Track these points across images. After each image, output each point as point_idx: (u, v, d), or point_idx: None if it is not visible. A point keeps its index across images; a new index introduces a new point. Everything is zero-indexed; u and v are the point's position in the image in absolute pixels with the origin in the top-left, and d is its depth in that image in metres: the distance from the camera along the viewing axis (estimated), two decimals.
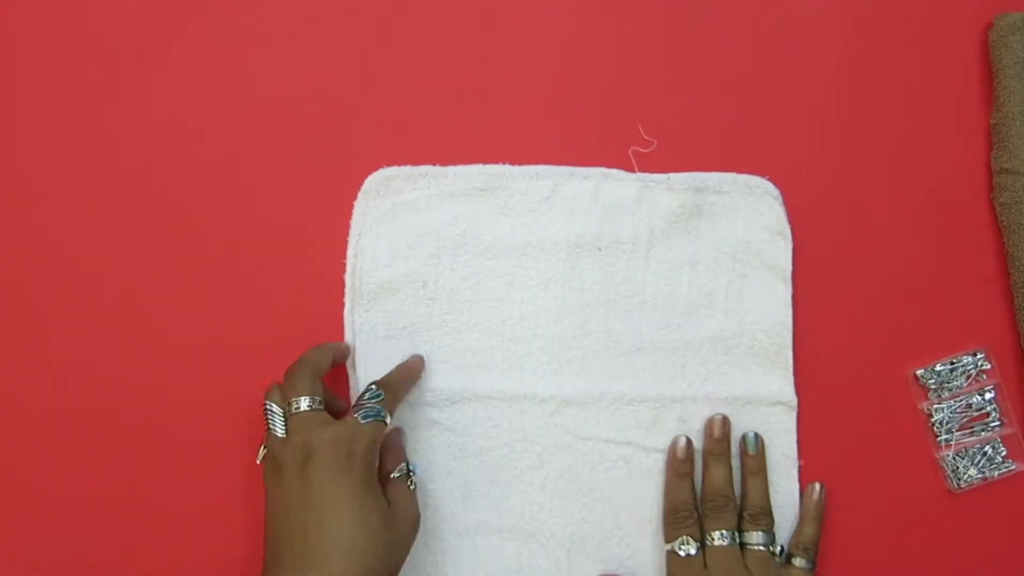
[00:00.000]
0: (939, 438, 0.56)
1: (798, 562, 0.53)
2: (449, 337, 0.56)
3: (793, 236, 0.57)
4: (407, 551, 0.50)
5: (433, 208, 0.57)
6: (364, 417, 0.49)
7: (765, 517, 0.53)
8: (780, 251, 0.57)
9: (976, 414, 0.57)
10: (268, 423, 0.50)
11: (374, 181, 0.57)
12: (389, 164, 0.57)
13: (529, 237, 0.57)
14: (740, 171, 0.58)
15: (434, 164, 0.58)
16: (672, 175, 0.57)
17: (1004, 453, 0.56)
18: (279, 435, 0.49)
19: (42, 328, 0.57)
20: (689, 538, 0.52)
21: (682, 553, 0.52)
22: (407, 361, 0.55)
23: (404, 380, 0.54)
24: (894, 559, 0.55)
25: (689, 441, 0.55)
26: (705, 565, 0.52)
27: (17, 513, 0.56)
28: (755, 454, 0.55)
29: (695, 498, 0.54)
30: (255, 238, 0.58)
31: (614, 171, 0.58)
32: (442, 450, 0.56)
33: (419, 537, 0.51)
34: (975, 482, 0.56)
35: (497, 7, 0.59)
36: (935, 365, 0.57)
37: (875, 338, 0.57)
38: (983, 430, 0.57)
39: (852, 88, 0.60)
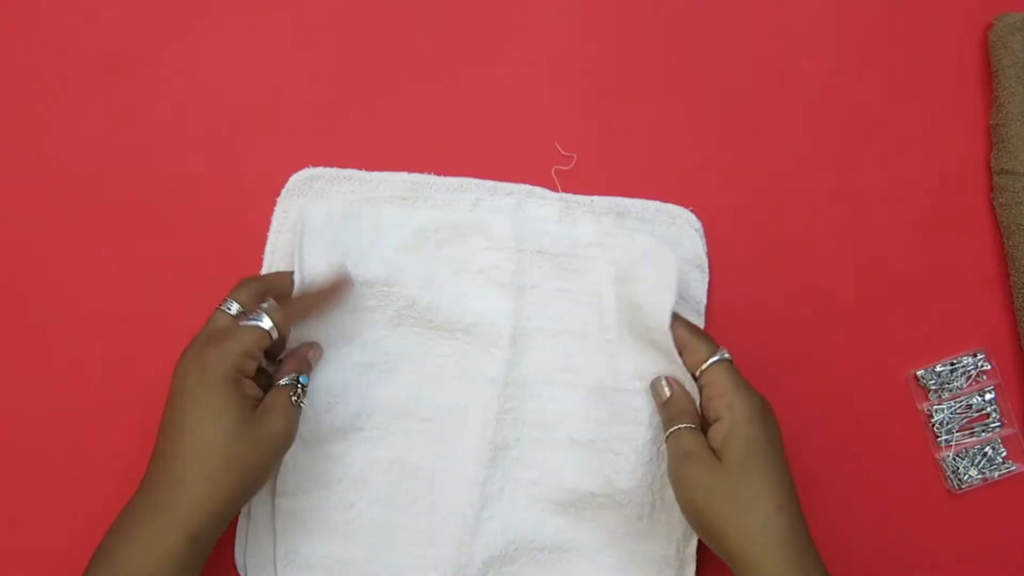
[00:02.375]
0: (939, 439, 0.56)
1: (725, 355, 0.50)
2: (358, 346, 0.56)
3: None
4: (268, 470, 0.48)
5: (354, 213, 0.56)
6: (245, 321, 0.48)
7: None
8: (697, 283, 0.57)
9: (976, 415, 0.57)
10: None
11: (297, 181, 0.57)
12: (314, 165, 0.57)
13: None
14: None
15: (359, 168, 0.57)
16: (595, 198, 0.57)
17: (1004, 454, 0.56)
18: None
19: (34, 325, 0.57)
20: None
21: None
22: (329, 283, 0.53)
23: (313, 301, 0.53)
24: (894, 559, 0.55)
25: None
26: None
27: (16, 513, 0.55)
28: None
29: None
30: (182, 232, 0.58)
31: (537, 189, 0.57)
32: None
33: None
34: (975, 483, 0.56)
35: (430, 21, 0.60)
36: (935, 366, 0.57)
37: (875, 338, 0.57)
38: (983, 431, 0.57)
39: (852, 88, 0.60)
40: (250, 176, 0.58)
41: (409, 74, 0.59)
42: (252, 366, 0.48)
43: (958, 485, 0.56)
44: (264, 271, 0.56)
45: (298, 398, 0.50)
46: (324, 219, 0.55)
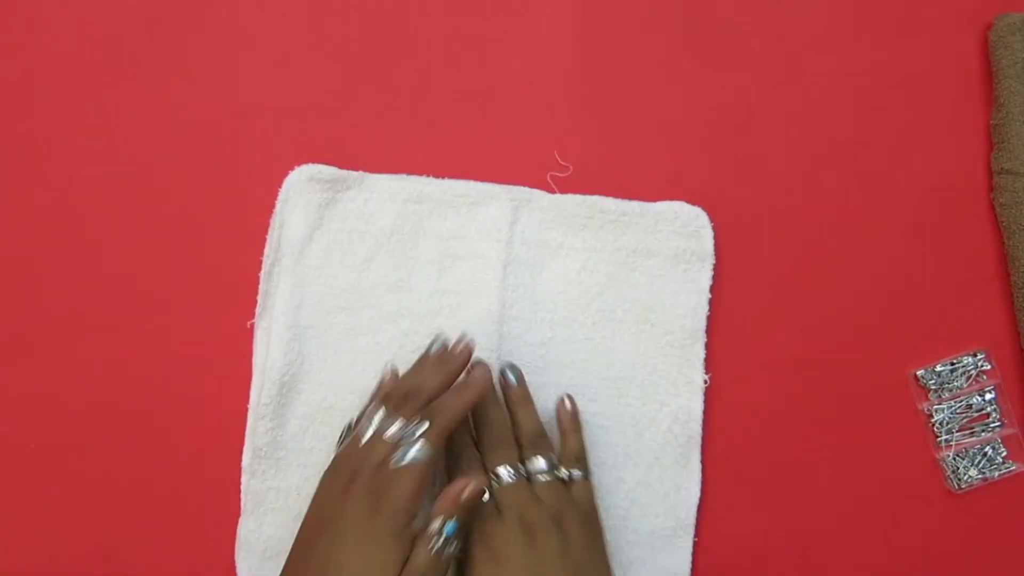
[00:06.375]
0: (939, 439, 0.56)
1: (576, 475, 0.51)
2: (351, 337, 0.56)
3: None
4: None
5: (355, 211, 0.57)
6: (399, 460, 0.46)
7: (542, 440, 0.51)
8: (704, 279, 0.57)
9: (976, 415, 0.57)
10: (361, 423, 0.49)
11: (295, 179, 0.57)
12: (314, 162, 0.57)
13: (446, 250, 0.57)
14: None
15: (356, 169, 0.57)
16: (599, 198, 0.57)
17: (1004, 454, 0.56)
18: (363, 440, 0.48)
19: (33, 325, 0.57)
20: None
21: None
22: (467, 379, 0.51)
23: (458, 406, 0.49)
24: (894, 559, 0.55)
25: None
26: (498, 509, 0.48)
27: (16, 513, 0.55)
28: (516, 385, 0.54)
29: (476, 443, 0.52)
30: (182, 232, 0.58)
31: (536, 191, 0.57)
32: None
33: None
34: (975, 483, 0.56)
35: (432, 26, 0.60)
36: (935, 366, 0.57)
37: (875, 338, 0.57)
38: (983, 431, 0.57)
39: (852, 88, 0.60)
40: (250, 176, 0.58)
41: (408, 76, 0.59)
42: (418, 506, 0.46)
43: (958, 485, 0.56)
44: (264, 270, 0.56)
45: (439, 550, 0.45)
46: (305, 181, 0.56)
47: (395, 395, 0.49)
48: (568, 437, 0.53)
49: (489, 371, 0.52)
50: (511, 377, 0.54)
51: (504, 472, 0.50)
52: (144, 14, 0.60)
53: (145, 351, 0.56)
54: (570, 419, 0.54)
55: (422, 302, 0.56)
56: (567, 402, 0.54)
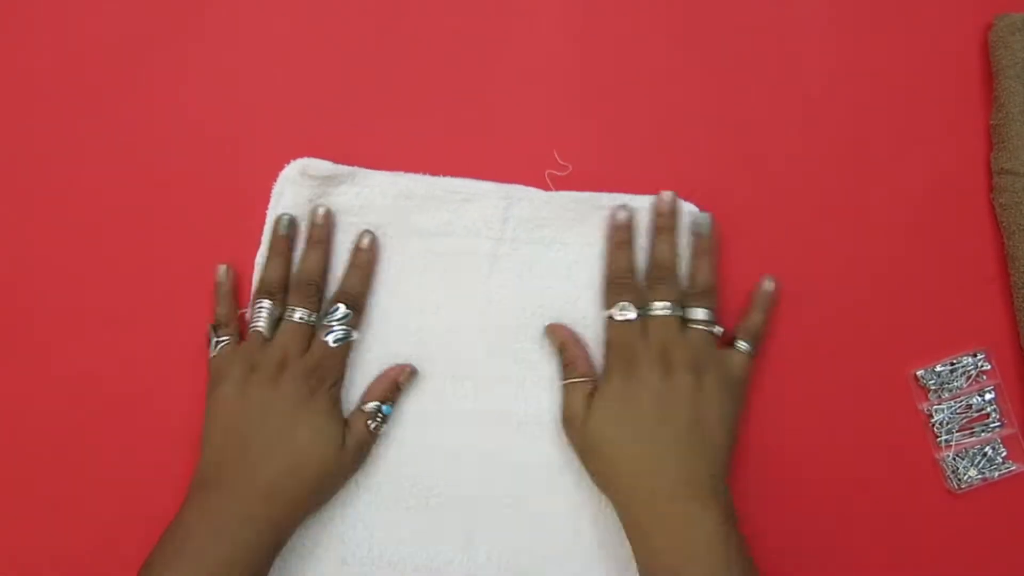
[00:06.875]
0: (939, 439, 0.56)
1: (740, 345, 0.53)
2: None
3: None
4: (342, 484, 0.52)
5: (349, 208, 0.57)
6: (335, 341, 0.51)
7: (708, 297, 0.53)
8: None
9: (976, 415, 0.57)
10: (253, 319, 0.52)
11: (291, 172, 0.57)
12: (310, 155, 0.57)
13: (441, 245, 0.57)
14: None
15: (354, 165, 0.57)
16: (596, 193, 0.57)
17: (1004, 454, 0.56)
18: (264, 334, 0.51)
19: (32, 322, 0.57)
20: (628, 303, 0.52)
21: (620, 317, 0.52)
22: (362, 263, 0.55)
23: (366, 291, 0.55)
24: (894, 559, 0.55)
25: (629, 211, 0.55)
26: (644, 333, 0.51)
27: (16, 513, 0.55)
28: (706, 235, 0.55)
29: (634, 268, 0.54)
30: (180, 230, 0.58)
31: (530, 189, 0.57)
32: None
33: None
34: (975, 483, 0.56)
35: (432, 26, 0.60)
36: (935, 366, 0.57)
37: (875, 338, 0.57)
38: (983, 431, 0.57)
39: (852, 88, 0.60)
40: (250, 175, 0.58)
41: (409, 76, 0.59)
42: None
43: (958, 485, 0.56)
44: (256, 264, 0.56)
45: (376, 427, 0.52)
46: (297, 175, 0.56)
47: (275, 286, 0.53)
48: (754, 312, 0.55)
49: (374, 238, 0.55)
50: (703, 226, 0.55)
51: (660, 305, 0.51)
52: (144, 13, 0.60)
53: (145, 347, 0.56)
54: (765, 297, 0.55)
55: (409, 297, 0.56)
56: (769, 283, 0.55)
